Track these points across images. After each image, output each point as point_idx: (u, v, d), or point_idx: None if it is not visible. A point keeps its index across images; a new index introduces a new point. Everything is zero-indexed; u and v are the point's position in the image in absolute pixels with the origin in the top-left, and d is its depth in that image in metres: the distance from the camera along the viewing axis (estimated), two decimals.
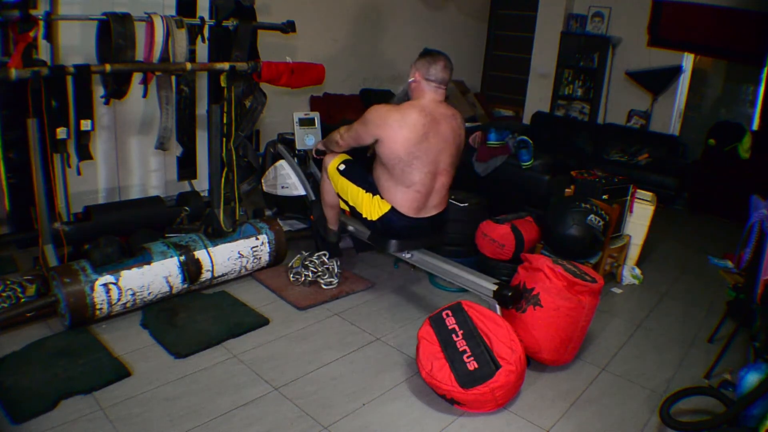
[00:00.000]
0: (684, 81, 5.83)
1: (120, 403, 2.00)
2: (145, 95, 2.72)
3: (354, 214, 2.83)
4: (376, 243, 2.85)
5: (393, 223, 2.65)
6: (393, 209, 2.62)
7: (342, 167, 2.82)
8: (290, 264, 3.09)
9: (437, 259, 2.76)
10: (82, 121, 2.53)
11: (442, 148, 2.57)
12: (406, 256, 2.83)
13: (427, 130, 2.50)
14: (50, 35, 2.65)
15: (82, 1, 3.00)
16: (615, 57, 6.11)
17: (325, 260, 3.06)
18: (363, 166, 2.84)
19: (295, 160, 3.44)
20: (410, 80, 2.60)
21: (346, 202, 2.84)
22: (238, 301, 2.78)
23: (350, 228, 3.09)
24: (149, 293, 2.56)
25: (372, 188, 2.70)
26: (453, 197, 3.33)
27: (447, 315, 2.22)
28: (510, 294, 2.38)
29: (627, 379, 2.42)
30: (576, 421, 2.12)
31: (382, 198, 2.66)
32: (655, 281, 3.52)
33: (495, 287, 2.44)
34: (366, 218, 2.72)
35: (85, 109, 2.54)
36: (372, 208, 2.68)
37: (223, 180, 2.95)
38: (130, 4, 3.01)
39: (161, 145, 2.86)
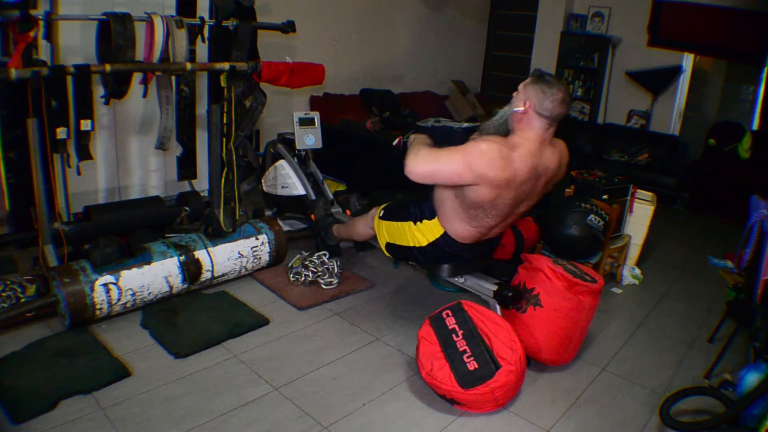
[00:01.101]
0: (684, 81, 5.83)
1: (120, 403, 2.00)
2: (145, 95, 2.72)
3: (404, 255, 2.55)
4: (426, 268, 2.68)
5: (445, 248, 2.36)
6: (446, 235, 2.32)
7: (382, 213, 2.58)
8: (290, 264, 3.09)
9: (485, 279, 2.56)
10: (82, 121, 2.53)
11: (529, 197, 2.22)
12: (460, 281, 2.60)
13: (525, 188, 2.13)
14: (50, 35, 2.64)
15: (82, 1, 2.99)
16: (615, 57, 6.11)
17: (325, 260, 3.06)
18: (403, 201, 2.59)
19: (295, 160, 3.44)
20: (516, 110, 2.09)
21: (394, 247, 2.54)
22: (238, 301, 2.78)
23: None
24: (149, 293, 2.56)
25: (413, 216, 2.40)
26: None
27: (447, 315, 2.22)
28: (510, 294, 2.38)
29: (627, 379, 2.42)
30: (576, 421, 2.12)
31: (430, 219, 2.35)
32: (655, 281, 3.52)
33: (495, 287, 2.44)
34: (414, 247, 2.43)
35: (85, 109, 2.54)
36: (417, 234, 2.39)
37: (223, 180, 2.95)
38: (130, 4, 3.01)
39: (161, 145, 2.86)
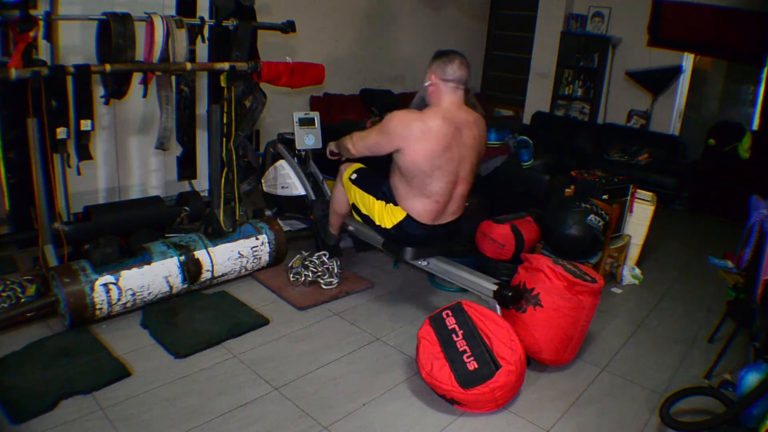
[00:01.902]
0: (684, 81, 5.84)
1: (120, 403, 2.00)
2: (145, 95, 2.72)
3: (366, 222, 2.76)
4: (390, 250, 2.79)
5: (408, 231, 2.57)
6: (409, 217, 2.54)
7: (354, 176, 2.77)
8: (290, 264, 3.09)
9: (450, 264, 2.68)
10: (82, 121, 2.53)
11: (464, 156, 2.48)
12: (423, 263, 2.75)
13: (450, 140, 2.39)
14: (50, 35, 2.64)
15: (82, 1, 2.99)
16: (615, 57, 6.11)
17: (325, 260, 3.06)
18: (377, 172, 2.77)
19: (295, 160, 3.44)
20: (427, 84, 2.48)
21: (358, 212, 2.76)
22: (238, 301, 2.78)
23: (350, 228, 3.09)
24: (149, 293, 2.56)
25: (385, 196, 2.62)
26: None
27: (447, 315, 2.22)
28: (510, 294, 2.38)
29: (627, 379, 2.42)
30: (576, 421, 2.12)
31: (396, 205, 2.57)
32: (655, 281, 3.52)
33: (495, 287, 2.44)
34: (380, 226, 2.65)
35: (85, 109, 2.54)
36: (386, 216, 2.60)
37: (223, 180, 2.95)
38: (130, 4, 3.01)
39: (161, 145, 2.86)
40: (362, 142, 2.59)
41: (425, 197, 2.48)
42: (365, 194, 2.69)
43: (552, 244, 3.15)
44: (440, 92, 2.44)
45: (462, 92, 2.47)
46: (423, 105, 2.53)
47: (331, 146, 2.95)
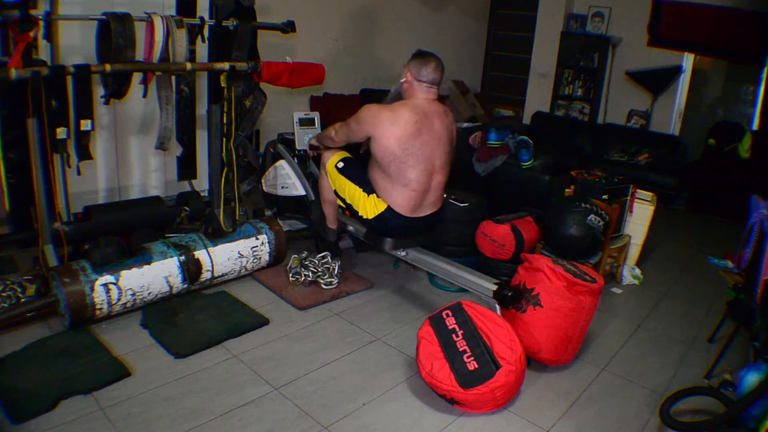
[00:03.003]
0: (684, 81, 5.83)
1: (120, 403, 2.00)
2: (145, 95, 2.72)
3: (351, 212, 2.85)
4: (371, 241, 2.87)
5: (389, 222, 2.69)
6: (389, 208, 2.66)
7: (340, 165, 2.86)
8: (289, 264, 3.09)
9: (433, 257, 2.77)
10: (82, 121, 2.53)
11: (436, 145, 2.62)
12: (401, 254, 2.85)
13: (419, 126, 2.54)
14: (50, 35, 2.65)
15: (82, 1, 2.99)
16: (615, 57, 6.11)
17: (325, 260, 3.06)
18: (361, 164, 2.85)
19: (295, 160, 3.44)
20: (402, 81, 2.66)
21: (343, 200, 2.86)
22: (238, 301, 2.78)
23: (350, 228, 3.09)
24: (149, 293, 2.56)
25: (369, 187, 2.73)
26: (453, 197, 3.33)
27: (447, 315, 2.22)
28: (510, 294, 2.38)
29: (627, 379, 2.42)
30: (576, 421, 2.12)
31: (378, 197, 2.69)
32: (655, 281, 3.52)
33: (495, 287, 2.44)
34: (362, 216, 2.76)
35: (85, 109, 2.53)
36: (368, 206, 2.71)
37: (223, 180, 2.95)
38: (130, 4, 3.01)
39: (161, 145, 2.86)
40: (342, 130, 2.76)
41: (402, 186, 2.60)
42: (351, 183, 2.78)
43: (552, 244, 3.15)
44: (414, 90, 2.62)
45: (435, 92, 2.65)
46: (397, 99, 2.70)
47: (312, 141, 3.11)
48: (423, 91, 2.61)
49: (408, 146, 2.53)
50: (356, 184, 2.76)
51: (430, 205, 2.73)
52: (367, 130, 2.59)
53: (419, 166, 2.58)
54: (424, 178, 2.62)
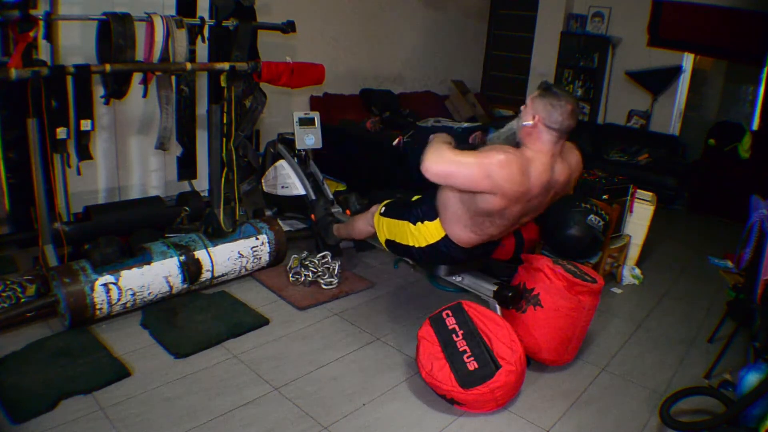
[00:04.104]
0: (684, 81, 5.83)
1: (120, 403, 2.00)
2: (145, 95, 2.72)
3: (403, 251, 2.55)
4: (424, 266, 2.73)
5: (444, 251, 2.35)
6: (447, 238, 2.29)
7: (383, 210, 2.57)
8: (289, 264, 3.09)
9: (482, 279, 2.59)
10: (82, 121, 2.53)
11: (535, 210, 2.23)
12: (457, 279, 2.64)
13: (535, 201, 2.12)
14: (50, 35, 2.65)
15: (82, 1, 3.00)
16: (615, 57, 6.11)
17: (325, 260, 3.05)
18: (403, 201, 2.59)
19: (295, 159, 3.44)
20: (525, 123, 2.05)
21: (395, 245, 2.52)
22: (238, 301, 2.78)
23: None
24: (149, 293, 2.56)
25: (414, 216, 2.39)
26: None
27: (447, 315, 2.22)
28: (510, 294, 2.38)
29: (627, 379, 2.42)
30: (576, 421, 2.12)
31: (431, 221, 2.32)
32: (655, 281, 3.52)
33: (495, 287, 2.44)
34: (413, 246, 2.41)
35: (85, 109, 2.53)
36: (419, 235, 2.37)
37: (223, 180, 2.95)
38: (130, 4, 3.01)
39: (161, 145, 2.86)
40: (448, 165, 2.00)
41: (473, 233, 2.23)
42: (397, 221, 2.46)
43: (552, 244, 3.15)
44: (540, 139, 2.04)
45: (563, 143, 2.10)
46: (510, 141, 2.16)
47: (431, 139, 2.29)
48: (550, 141, 2.03)
49: (508, 214, 2.10)
50: (401, 218, 2.43)
51: (494, 239, 2.37)
52: (490, 190, 1.99)
53: (503, 224, 2.17)
54: (500, 232, 2.26)
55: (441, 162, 2.01)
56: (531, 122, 2.03)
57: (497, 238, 2.36)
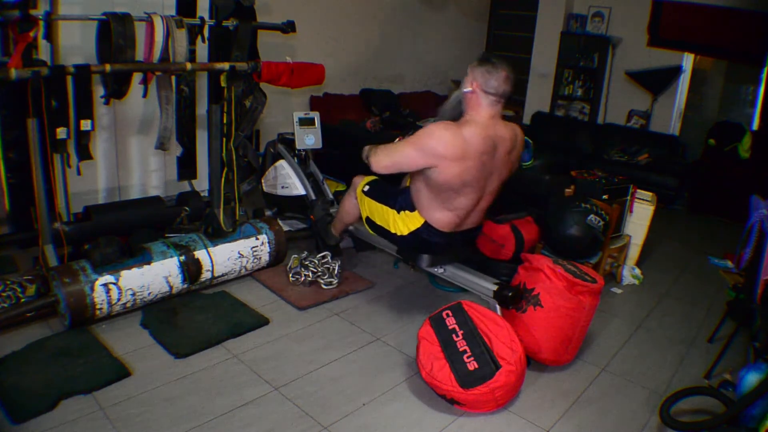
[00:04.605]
0: (684, 81, 5.83)
1: (120, 403, 2.00)
2: (145, 95, 2.72)
3: (381, 233, 2.66)
4: (406, 257, 2.78)
5: (425, 238, 2.48)
6: (427, 224, 2.44)
7: (366, 188, 2.70)
8: (289, 264, 3.09)
9: (468, 272, 2.64)
10: (82, 121, 2.53)
11: (495, 175, 2.37)
12: (439, 271, 2.72)
13: (485, 159, 2.26)
14: (50, 35, 2.64)
15: (82, 1, 3.00)
16: (615, 57, 6.11)
17: (325, 260, 3.05)
18: (389, 183, 2.70)
19: (295, 159, 3.44)
20: (466, 90, 2.27)
21: (372, 224, 2.67)
22: (238, 301, 2.78)
23: (350, 228, 3.09)
24: (149, 293, 2.56)
25: (399, 205, 2.52)
26: None
27: (447, 315, 2.22)
28: (510, 294, 2.38)
29: (627, 379, 2.42)
30: (576, 421, 2.12)
31: (412, 212, 2.47)
32: (655, 281, 3.52)
33: (495, 287, 2.44)
34: (395, 234, 2.54)
35: (85, 109, 2.53)
36: (399, 223, 2.51)
37: (223, 180, 2.95)
38: (130, 4, 3.01)
39: (161, 145, 2.86)
40: (389, 158, 2.32)
41: (448, 210, 2.38)
42: (379, 204, 2.60)
43: (552, 244, 3.15)
44: (479, 104, 2.26)
45: (501, 106, 2.30)
46: (457, 109, 2.36)
47: (366, 149, 2.56)
48: (489, 105, 2.25)
49: (467, 179, 2.27)
50: (385, 203, 2.57)
51: (471, 223, 2.53)
52: (431, 163, 2.22)
53: (471, 195, 2.34)
54: (472, 204, 2.40)
55: (381, 159, 2.35)
56: (470, 89, 2.26)
57: (474, 218, 2.50)
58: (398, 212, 2.51)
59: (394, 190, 2.63)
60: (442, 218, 2.41)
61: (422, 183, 2.38)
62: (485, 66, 2.23)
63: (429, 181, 2.32)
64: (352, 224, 3.00)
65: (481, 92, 2.24)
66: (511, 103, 7.27)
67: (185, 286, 2.70)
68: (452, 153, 2.18)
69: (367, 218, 2.71)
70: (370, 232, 2.77)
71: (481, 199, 2.42)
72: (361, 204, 2.74)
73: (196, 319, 2.57)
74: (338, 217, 3.02)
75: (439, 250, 2.58)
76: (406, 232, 2.50)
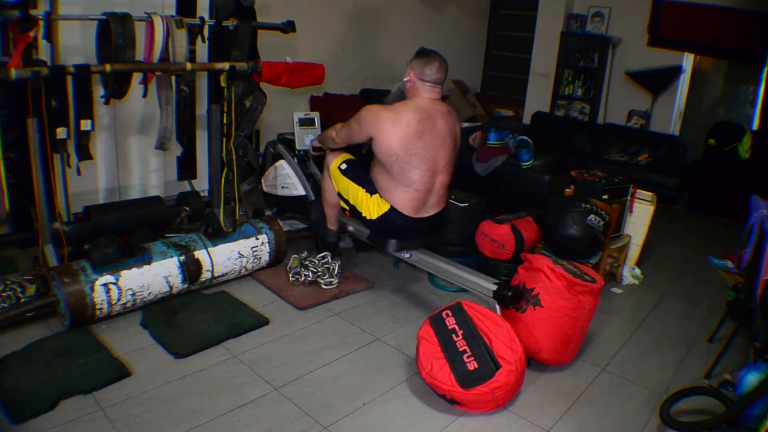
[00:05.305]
0: (684, 81, 5.83)
1: (120, 403, 2.00)
2: (145, 95, 2.72)
3: (354, 213, 2.84)
4: (375, 242, 2.86)
5: (392, 223, 2.66)
6: (392, 209, 2.63)
7: (344, 166, 2.83)
8: (289, 264, 3.09)
9: (436, 258, 2.76)
10: (82, 121, 2.53)
11: (440, 145, 2.59)
12: (405, 255, 2.83)
13: (422, 126, 2.51)
14: (50, 35, 2.64)
15: (82, 1, 3.00)
16: (615, 57, 6.11)
17: (325, 260, 3.05)
18: (364, 165, 2.84)
19: (295, 160, 3.44)
20: (405, 80, 2.62)
21: (346, 201, 2.84)
22: (238, 301, 2.78)
23: (350, 228, 3.09)
24: (149, 293, 2.56)
25: (371, 188, 2.71)
26: (453, 197, 3.33)
27: (447, 315, 2.22)
28: (510, 294, 2.38)
29: (627, 379, 2.42)
30: (576, 421, 2.12)
31: (381, 197, 2.67)
32: (655, 281, 3.52)
33: (495, 287, 2.44)
34: (365, 217, 2.73)
35: (85, 109, 2.53)
36: (371, 207, 2.69)
37: (223, 180, 2.95)
38: (130, 4, 3.01)
39: (161, 145, 2.86)
40: (343, 131, 2.73)
41: (405, 186, 2.58)
42: (354, 185, 2.76)
43: (552, 244, 3.15)
44: (417, 89, 2.59)
45: (438, 91, 2.62)
46: (400, 98, 2.67)
47: (314, 142, 3.10)
48: (426, 90, 2.58)
49: (411, 146, 2.51)
50: (359, 185, 2.74)
51: (434, 205, 2.70)
52: (368, 131, 2.57)
53: (422, 166, 2.55)
54: (427, 179, 2.59)
55: (334, 138, 2.80)
56: (408, 78, 2.61)
57: (434, 200, 2.68)
58: (371, 195, 2.70)
59: (368, 171, 2.79)
60: (404, 198, 2.60)
61: (377, 165, 2.66)
62: (421, 58, 2.57)
63: (379, 157, 2.59)
64: (338, 204, 3.01)
65: (418, 80, 2.57)
66: (511, 103, 7.29)
67: (185, 286, 2.70)
68: (386, 116, 2.51)
69: (339, 194, 2.88)
70: (343, 205, 2.92)
71: (435, 173, 2.61)
72: (335, 181, 2.88)
73: (196, 319, 2.57)
74: (324, 202, 3.06)
75: (405, 234, 2.74)
76: (375, 216, 2.68)
